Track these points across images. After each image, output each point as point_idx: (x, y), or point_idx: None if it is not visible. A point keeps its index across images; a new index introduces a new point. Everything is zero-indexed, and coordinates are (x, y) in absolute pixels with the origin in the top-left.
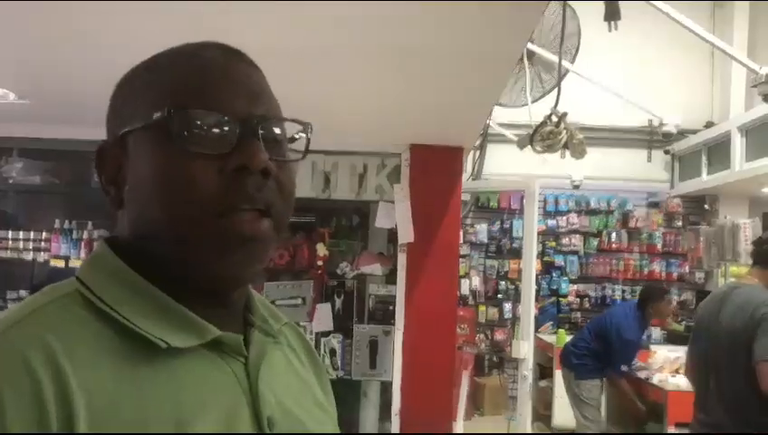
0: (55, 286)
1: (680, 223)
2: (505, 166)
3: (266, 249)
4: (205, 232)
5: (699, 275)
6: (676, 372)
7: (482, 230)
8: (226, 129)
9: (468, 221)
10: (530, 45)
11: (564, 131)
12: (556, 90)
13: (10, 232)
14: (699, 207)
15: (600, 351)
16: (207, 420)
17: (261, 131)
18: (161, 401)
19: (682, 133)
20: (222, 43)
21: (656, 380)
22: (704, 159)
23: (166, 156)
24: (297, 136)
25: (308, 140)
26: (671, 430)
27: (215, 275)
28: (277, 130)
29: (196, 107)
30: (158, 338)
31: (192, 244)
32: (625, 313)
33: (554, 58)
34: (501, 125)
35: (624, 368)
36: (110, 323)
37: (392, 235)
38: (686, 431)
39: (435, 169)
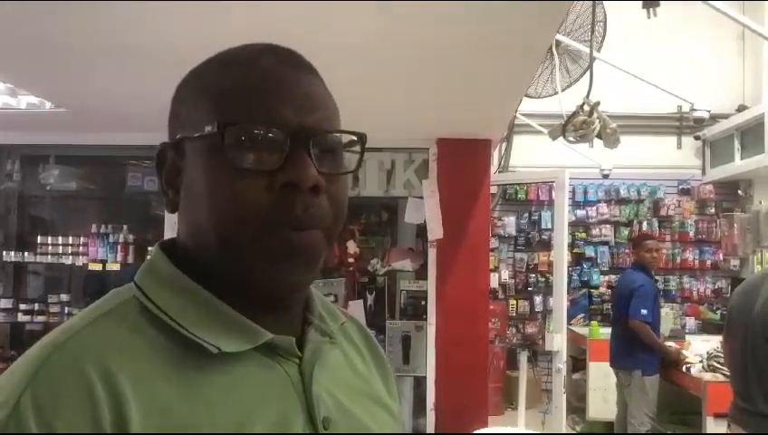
0: (117, 292)
1: (713, 210)
2: (532, 157)
3: (316, 258)
4: (252, 246)
5: (734, 263)
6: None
7: (510, 223)
8: (276, 143)
9: (496, 214)
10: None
11: (597, 121)
12: (583, 79)
13: (49, 237)
14: (733, 192)
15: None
16: (260, 422)
17: (312, 144)
18: (214, 406)
19: (714, 118)
20: (276, 47)
21: (693, 370)
22: (736, 143)
23: (216, 169)
24: (356, 148)
25: (362, 152)
26: (710, 420)
27: (264, 286)
28: (330, 141)
29: (246, 121)
30: (210, 344)
31: (240, 256)
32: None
33: (580, 47)
34: (525, 115)
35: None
36: (165, 329)
37: (421, 229)
38: (725, 422)
39: (463, 162)
